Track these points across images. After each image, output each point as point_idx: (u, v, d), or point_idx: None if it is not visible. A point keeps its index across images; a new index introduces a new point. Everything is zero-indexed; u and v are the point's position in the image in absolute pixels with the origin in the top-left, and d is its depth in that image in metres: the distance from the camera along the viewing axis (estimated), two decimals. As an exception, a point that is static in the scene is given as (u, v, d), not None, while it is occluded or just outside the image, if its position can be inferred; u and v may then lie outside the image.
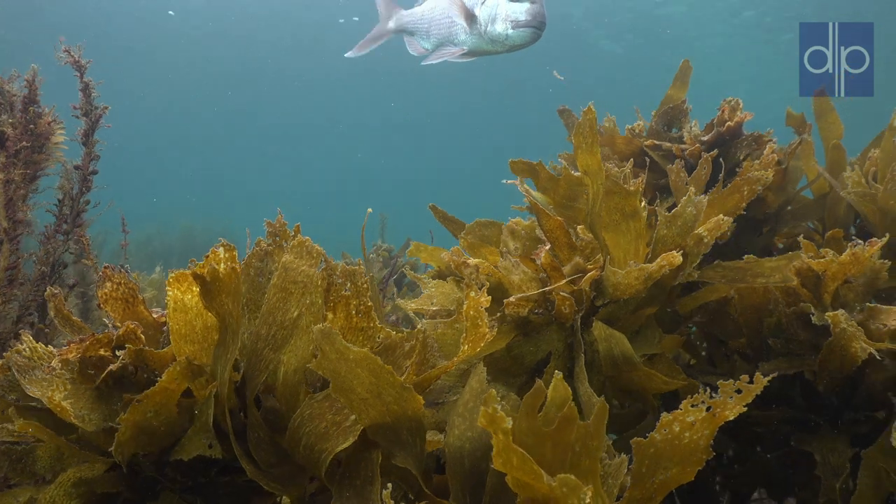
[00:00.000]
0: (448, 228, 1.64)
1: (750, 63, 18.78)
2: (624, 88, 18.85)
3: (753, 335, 1.46)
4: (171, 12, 18.54)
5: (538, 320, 1.22)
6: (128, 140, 28.95)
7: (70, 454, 0.92)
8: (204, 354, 0.95)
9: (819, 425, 1.40)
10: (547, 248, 1.25)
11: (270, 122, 32.45)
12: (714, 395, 0.79)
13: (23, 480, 0.92)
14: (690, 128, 1.86)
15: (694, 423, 0.79)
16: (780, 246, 1.88)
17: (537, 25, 2.10)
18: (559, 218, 1.25)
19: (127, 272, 1.10)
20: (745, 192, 1.39)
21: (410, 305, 1.45)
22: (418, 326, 1.03)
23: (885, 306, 1.32)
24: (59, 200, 1.76)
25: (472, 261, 1.22)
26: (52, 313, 1.08)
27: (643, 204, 1.28)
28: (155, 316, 1.10)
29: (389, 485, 0.80)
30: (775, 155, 1.65)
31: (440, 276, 1.55)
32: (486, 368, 1.01)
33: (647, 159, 1.77)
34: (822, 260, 1.31)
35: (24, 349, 0.95)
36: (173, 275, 0.95)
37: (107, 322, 1.08)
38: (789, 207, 1.88)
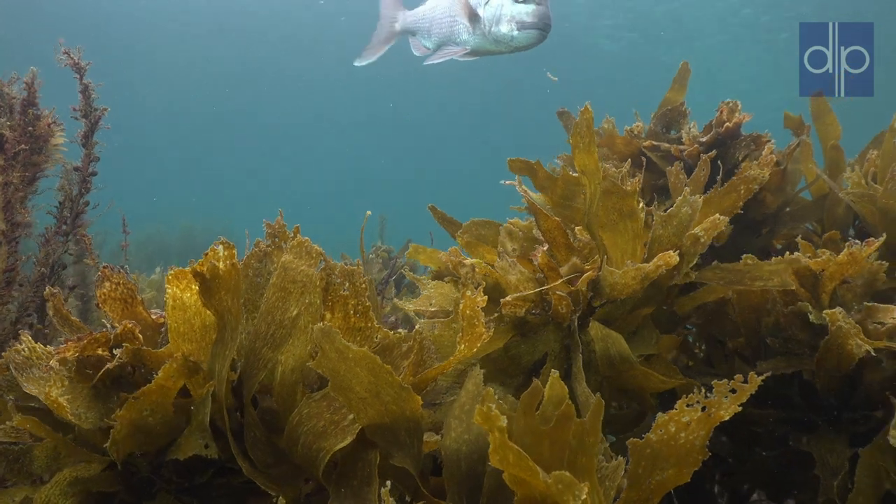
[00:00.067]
0: (447, 229, 1.64)
1: (750, 63, 18.78)
2: (623, 88, 18.85)
3: (752, 335, 1.46)
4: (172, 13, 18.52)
5: (535, 321, 1.22)
6: (128, 140, 28.95)
7: (67, 453, 0.92)
8: (202, 353, 0.95)
9: (817, 425, 1.40)
10: (544, 248, 1.25)
11: (270, 122, 32.46)
12: (709, 395, 0.79)
13: (20, 480, 0.92)
14: (689, 129, 1.86)
15: (689, 423, 0.79)
16: (779, 247, 1.88)
17: (542, 27, 2.09)
18: (557, 218, 1.25)
19: (126, 272, 1.10)
20: (742, 192, 1.39)
21: (409, 306, 1.45)
22: (416, 327, 1.03)
23: (882, 305, 1.32)
24: (60, 202, 1.77)
25: (468, 260, 1.22)
26: (50, 312, 1.08)
27: (641, 205, 1.28)
28: (154, 317, 1.10)
29: (389, 482, 0.80)
30: (773, 156, 1.66)
31: (439, 276, 1.55)
32: (483, 369, 1.01)
33: (644, 159, 1.77)
34: (819, 259, 1.31)
35: (22, 349, 0.95)
36: (172, 272, 0.95)
37: (106, 323, 1.09)
38: (788, 209, 1.89)
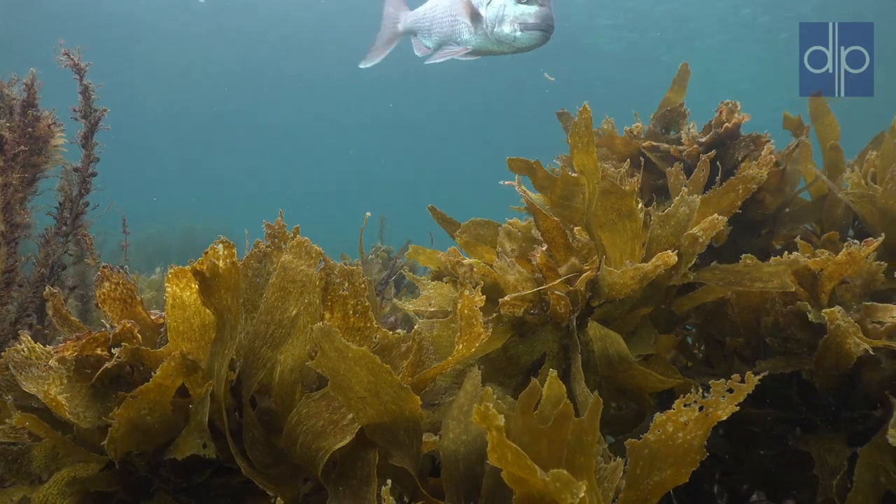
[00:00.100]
0: (446, 230, 1.64)
1: (749, 63, 18.79)
2: (623, 88, 18.86)
3: (751, 335, 1.46)
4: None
5: (534, 321, 1.22)
6: (128, 140, 28.97)
7: (65, 453, 0.92)
8: (201, 352, 0.95)
9: (816, 425, 1.40)
10: (543, 248, 1.25)
11: (271, 122, 32.47)
12: (707, 395, 0.79)
13: (18, 481, 0.93)
14: (688, 129, 1.87)
15: (687, 423, 0.80)
16: (778, 247, 1.88)
17: (546, 28, 2.08)
18: (555, 219, 1.25)
19: (125, 272, 1.10)
20: (741, 191, 1.39)
21: (408, 306, 1.45)
22: (415, 327, 1.03)
23: (881, 304, 1.32)
24: (60, 203, 1.77)
25: (466, 260, 1.22)
26: (50, 312, 1.08)
27: (640, 205, 1.28)
28: (153, 317, 1.10)
29: (389, 481, 0.80)
30: (773, 156, 1.66)
31: (438, 277, 1.55)
32: (482, 369, 1.01)
33: (642, 159, 1.78)
34: (818, 259, 1.31)
35: (22, 349, 0.95)
36: (172, 271, 0.95)
37: (105, 324, 1.09)
38: (787, 209, 1.89)
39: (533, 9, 2.06)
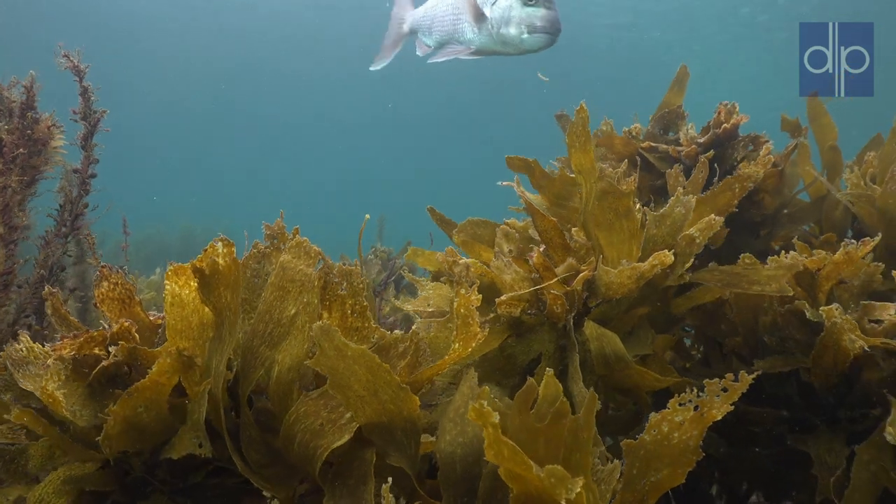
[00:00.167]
0: (445, 231, 1.64)
1: (749, 63, 18.79)
2: (623, 88, 18.86)
3: (749, 334, 1.46)
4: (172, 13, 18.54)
5: (531, 321, 1.23)
6: (128, 140, 28.99)
7: (62, 452, 0.92)
8: (198, 351, 0.95)
9: (815, 425, 1.40)
10: (541, 248, 1.25)
11: (270, 123, 32.49)
12: (702, 394, 0.79)
13: (15, 481, 0.93)
14: (687, 130, 1.87)
15: (682, 422, 0.80)
16: (777, 248, 1.89)
17: (553, 32, 2.07)
18: (553, 219, 1.26)
19: (125, 273, 1.11)
20: (737, 190, 1.40)
21: (407, 306, 1.45)
22: (413, 327, 1.04)
23: (879, 303, 1.32)
24: (61, 205, 1.77)
25: (463, 259, 1.22)
26: (49, 312, 1.08)
27: (638, 206, 1.28)
28: (152, 318, 1.10)
29: (390, 479, 0.80)
30: (771, 156, 1.66)
31: (437, 278, 1.56)
32: (479, 369, 1.01)
33: (639, 158, 1.78)
34: (815, 257, 1.31)
35: (20, 348, 0.95)
36: (171, 268, 0.95)
37: (104, 325, 1.09)
38: (786, 210, 1.89)
39: (540, 11, 2.05)
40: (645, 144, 1.85)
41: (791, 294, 1.27)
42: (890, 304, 1.29)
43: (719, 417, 0.79)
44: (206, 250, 0.92)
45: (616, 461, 0.87)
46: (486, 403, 0.70)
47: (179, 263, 0.95)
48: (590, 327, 1.17)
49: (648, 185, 1.86)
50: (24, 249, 1.70)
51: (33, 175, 1.60)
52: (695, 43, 18.19)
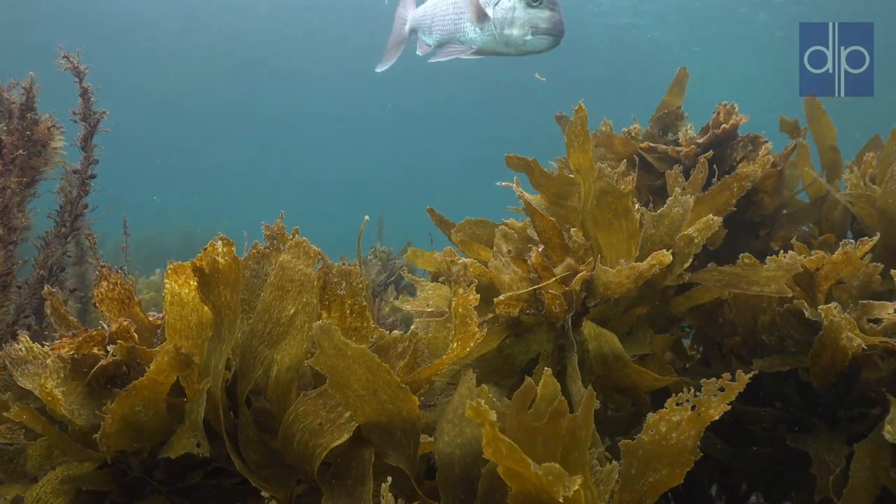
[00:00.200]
0: (444, 232, 1.65)
1: (749, 63, 18.79)
2: (622, 89, 18.85)
3: (748, 334, 1.46)
4: (173, 13, 18.56)
5: (529, 321, 1.23)
6: (128, 140, 29.00)
7: (60, 452, 0.93)
8: (197, 350, 0.95)
9: (814, 424, 1.40)
10: (540, 248, 1.25)
11: (271, 123, 32.51)
12: (699, 394, 0.79)
13: (14, 481, 0.93)
14: (686, 131, 1.87)
15: (680, 422, 0.80)
16: (776, 248, 1.89)
17: (557, 34, 2.07)
18: (552, 219, 1.26)
19: (124, 273, 1.11)
20: (735, 189, 1.40)
21: (407, 306, 1.46)
22: (412, 328, 1.04)
23: (878, 302, 1.32)
24: (61, 206, 1.77)
25: (460, 259, 1.23)
26: (48, 311, 1.09)
27: (637, 206, 1.28)
28: (151, 318, 1.10)
29: (390, 478, 0.80)
30: (770, 156, 1.67)
31: (437, 278, 1.56)
32: (478, 369, 1.01)
33: (637, 158, 1.78)
34: (814, 257, 1.31)
35: (20, 348, 0.96)
36: (171, 266, 0.96)
37: (103, 325, 1.09)
38: (785, 211, 1.89)
39: (545, 13, 2.05)
40: (644, 145, 1.86)
41: (790, 295, 1.28)
42: (888, 303, 1.29)
43: (717, 417, 0.79)
44: (205, 249, 0.92)
45: (615, 462, 0.87)
46: (482, 402, 0.70)
47: (179, 262, 0.96)
48: (588, 327, 1.17)
49: (647, 185, 1.86)
50: (24, 250, 1.70)
51: (33, 176, 1.60)
52: (694, 43, 18.20)
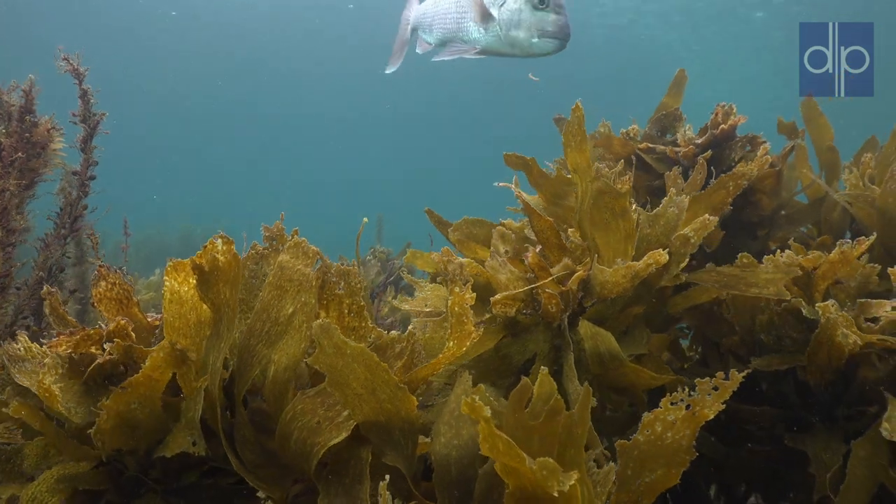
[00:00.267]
0: (442, 233, 1.65)
1: (749, 63, 18.79)
2: (622, 88, 18.84)
3: (746, 333, 1.46)
4: (173, 13, 18.58)
5: (526, 321, 1.23)
6: (128, 140, 29.00)
7: (57, 451, 0.93)
8: (195, 349, 0.96)
9: (812, 423, 1.40)
10: (537, 249, 1.26)
11: (271, 123, 32.52)
12: (693, 393, 0.79)
13: (10, 480, 0.93)
14: (685, 131, 1.87)
15: (675, 422, 0.80)
16: (775, 249, 1.89)
17: (564, 38, 2.07)
18: (549, 219, 1.26)
19: (123, 273, 1.11)
20: (731, 188, 1.40)
21: (405, 306, 1.46)
22: (409, 328, 1.04)
23: (875, 300, 1.32)
24: (61, 209, 1.77)
25: (457, 259, 1.23)
26: (47, 311, 1.09)
27: (634, 206, 1.29)
28: (149, 319, 1.11)
29: (388, 476, 0.81)
30: (769, 157, 1.67)
31: (435, 279, 1.56)
32: (474, 370, 1.02)
33: (634, 158, 1.79)
34: (811, 256, 1.32)
35: (18, 347, 0.96)
36: (171, 264, 0.96)
37: (101, 325, 1.09)
38: (783, 212, 1.89)
39: (551, 16, 2.04)
40: (643, 146, 1.86)
41: (788, 297, 1.28)
42: (886, 301, 1.29)
43: (712, 416, 0.79)
44: (205, 247, 0.92)
45: (611, 464, 0.87)
46: (476, 398, 0.70)
47: (179, 259, 0.96)
48: (584, 326, 1.18)
49: (646, 185, 1.86)
50: (24, 252, 1.70)
51: (32, 178, 1.61)
52: (694, 43, 18.19)
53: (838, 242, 1.31)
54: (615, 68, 19.88)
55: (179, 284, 0.96)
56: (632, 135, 1.92)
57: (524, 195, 1.38)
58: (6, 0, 16.60)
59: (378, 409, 0.90)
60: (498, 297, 1.17)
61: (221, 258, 0.91)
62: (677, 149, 1.81)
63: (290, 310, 0.96)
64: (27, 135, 1.59)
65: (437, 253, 1.43)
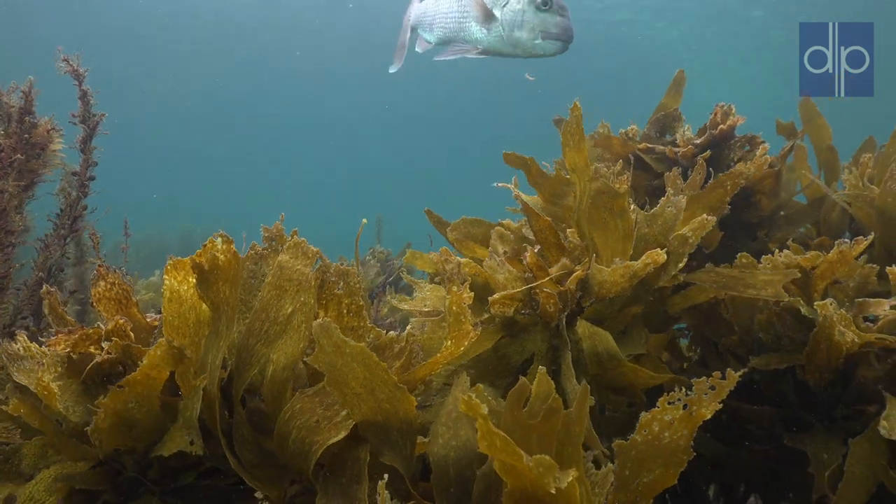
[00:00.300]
0: (441, 233, 1.65)
1: (749, 62, 18.78)
2: (621, 88, 18.83)
3: (745, 333, 1.47)
4: (173, 13, 18.58)
5: (524, 321, 1.23)
6: (127, 139, 29.00)
7: (55, 451, 0.93)
8: (194, 348, 0.96)
9: (811, 423, 1.41)
10: (535, 248, 1.26)
11: (271, 123, 32.53)
12: (690, 393, 0.79)
13: (8, 480, 0.93)
14: (684, 132, 1.87)
15: (672, 421, 0.80)
16: (774, 249, 1.89)
17: (566, 39, 2.07)
18: (548, 219, 1.26)
19: (122, 273, 1.11)
20: (729, 187, 1.40)
21: (404, 305, 1.46)
22: (408, 328, 1.04)
23: (873, 299, 1.32)
24: (61, 209, 1.77)
25: (454, 258, 1.23)
26: (46, 310, 1.09)
27: (633, 206, 1.29)
28: (148, 319, 1.11)
29: (386, 475, 0.81)
30: (767, 157, 1.67)
31: (434, 279, 1.56)
32: (473, 369, 1.02)
33: (632, 157, 1.79)
34: (809, 256, 1.32)
35: (17, 347, 0.96)
36: (171, 262, 0.96)
37: (100, 325, 1.09)
38: (782, 212, 1.89)
39: (555, 18, 2.05)
40: (642, 146, 1.86)
41: (787, 299, 1.28)
42: (884, 300, 1.29)
43: (709, 416, 0.79)
44: (205, 245, 0.92)
45: (610, 465, 0.87)
46: (473, 396, 0.70)
47: (179, 258, 0.96)
48: (582, 326, 1.18)
49: (645, 185, 1.86)
50: (24, 252, 1.70)
51: (31, 178, 1.61)
52: (694, 42, 18.19)
53: (837, 242, 1.31)
54: (615, 68, 19.88)
55: (179, 283, 0.96)
56: (631, 135, 1.92)
57: (523, 195, 1.39)
58: (6, 0, 16.60)
59: (376, 408, 0.90)
60: (496, 296, 1.17)
61: (221, 257, 0.91)
62: (676, 149, 1.81)
63: (290, 309, 0.96)
64: (27, 136, 1.59)
65: (437, 253, 1.43)
